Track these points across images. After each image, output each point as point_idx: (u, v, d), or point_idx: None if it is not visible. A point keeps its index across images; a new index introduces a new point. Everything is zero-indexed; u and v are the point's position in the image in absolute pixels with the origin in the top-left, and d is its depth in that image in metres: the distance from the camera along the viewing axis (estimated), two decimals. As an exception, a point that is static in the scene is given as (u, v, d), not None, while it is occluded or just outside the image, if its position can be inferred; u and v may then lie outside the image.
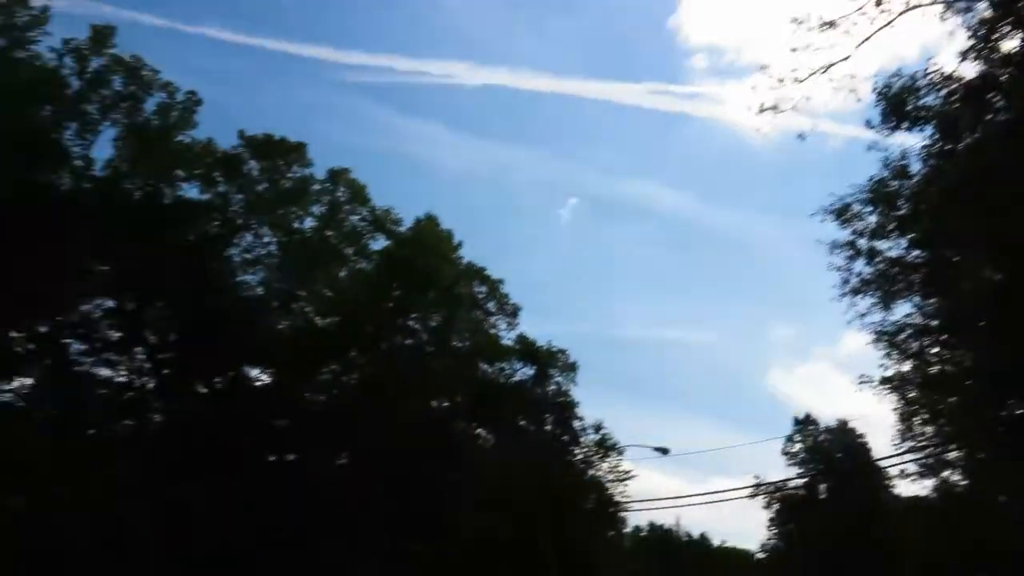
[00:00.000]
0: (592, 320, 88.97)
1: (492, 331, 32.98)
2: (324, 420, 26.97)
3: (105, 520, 19.11)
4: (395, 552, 24.07)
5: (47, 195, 24.66)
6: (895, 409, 24.79)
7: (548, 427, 34.09)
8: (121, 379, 25.24)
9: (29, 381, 23.57)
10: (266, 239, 28.99)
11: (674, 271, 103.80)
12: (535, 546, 28.26)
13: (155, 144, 26.97)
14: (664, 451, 34.30)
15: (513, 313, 33.16)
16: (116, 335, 25.34)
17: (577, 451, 34.72)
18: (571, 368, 34.62)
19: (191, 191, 27.84)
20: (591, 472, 34.96)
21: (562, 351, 34.92)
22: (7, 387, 23.29)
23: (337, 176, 30.39)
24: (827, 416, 46.79)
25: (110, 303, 25.61)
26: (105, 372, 25.33)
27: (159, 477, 20.84)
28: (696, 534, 52.98)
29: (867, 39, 18.22)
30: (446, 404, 31.14)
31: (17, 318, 23.83)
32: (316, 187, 29.92)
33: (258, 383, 27.57)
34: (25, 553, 18.42)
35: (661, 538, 49.69)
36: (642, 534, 50.09)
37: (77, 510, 19.36)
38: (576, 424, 34.60)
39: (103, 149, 26.62)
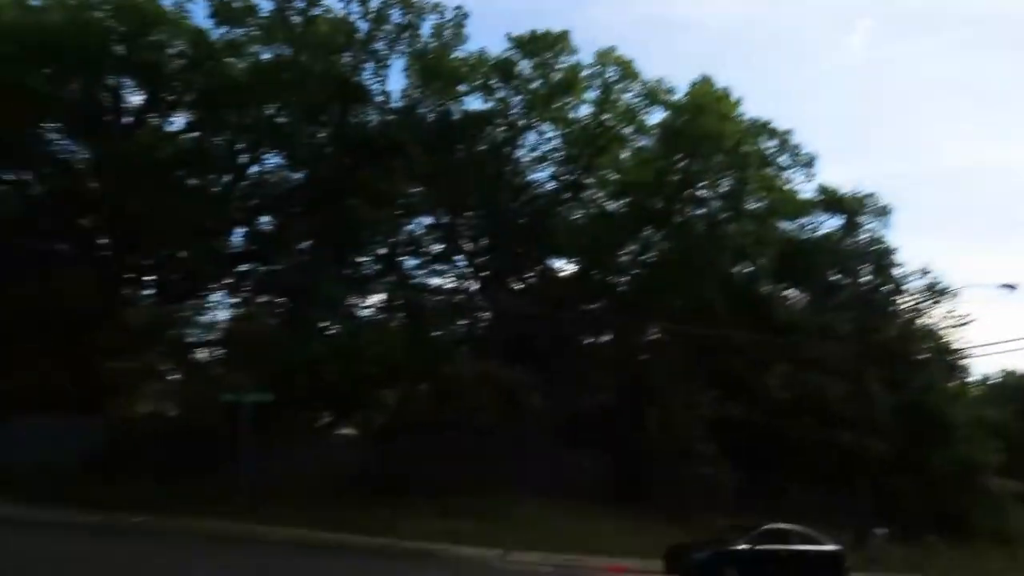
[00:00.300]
0: (905, 155, 78.96)
1: (788, 186, 31.27)
2: (630, 299, 28.22)
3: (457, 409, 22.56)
4: (714, 417, 24.98)
5: (361, 134, 28.12)
6: None
7: (865, 278, 32.02)
8: (450, 285, 29.00)
9: (381, 296, 28.05)
10: (548, 134, 30.15)
11: (1004, 82, 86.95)
12: (863, 402, 27.37)
13: (436, 66, 29.04)
14: (1011, 287, 30.57)
15: (809, 163, 30.97)
16: (439, 247, 28.84)
17: (901, 300, 32.30)
18: (884, 212, 31.81)
19: (474, 103, 29.81)
20: (921, 320, 32.43)
21: (870, 195, 32.15)
22: (366, 304, 28.01)
23: (604, 57, 30.11)
24: None
25: (429, 220, 29.03)
26: (436, 281, 29.29)
27: (494, 367, 23.73)
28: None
29: None
30: (749, 268, 30.61)
31: (362, 245, 28.14)
32: (585, 73, 30.05)
33: (563, 273, 29.57)
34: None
35: (1017, 384, 44.59)
36: (993, 382, 45.32)
37: (436, 402, 23.08)
38: (897, 272, 32.05)
39: (395, 81, 29.41)
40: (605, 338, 29.07)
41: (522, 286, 28.71)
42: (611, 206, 30.65)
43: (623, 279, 30.13)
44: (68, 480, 20.86)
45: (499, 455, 23.40)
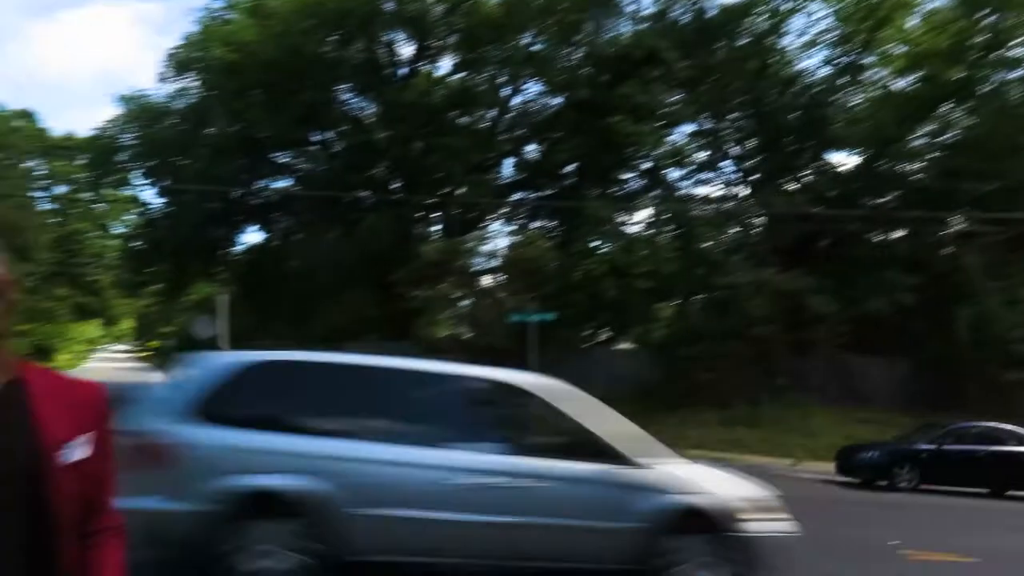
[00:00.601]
0: None
1: None
2: (926, 188, 25.17)
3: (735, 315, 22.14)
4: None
5: (616, 48, 27.75)
6: None
7: None
8: (718, 193, 28.04)
9: (649, 211, 27.99)
10: (817, 15, 27.37)
11: None
12: None
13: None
14: None
15: None
16: (704, 155, 27.90)
17: None
18: None
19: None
20: None
21: None
22: (635, 220, 28.17)
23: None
24: None
25: (692, 127, 28.11)
26: (704, 190, 28.50)
27: (771, 274, 22.77)
28: None
29: None
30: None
31: (626, 161, 28.17)
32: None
33: (843, 167, 27.10)
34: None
35: None
36: None
37: (713, 312, 22.86)
38: None
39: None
40: (898, 234, 26.31)
41: (797, 186, 26.82)
42: (898, 84, 27.26)
43: (917, 166, 26.86)
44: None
45: (781, 363, 22.68)
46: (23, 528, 1.50)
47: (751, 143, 27.45)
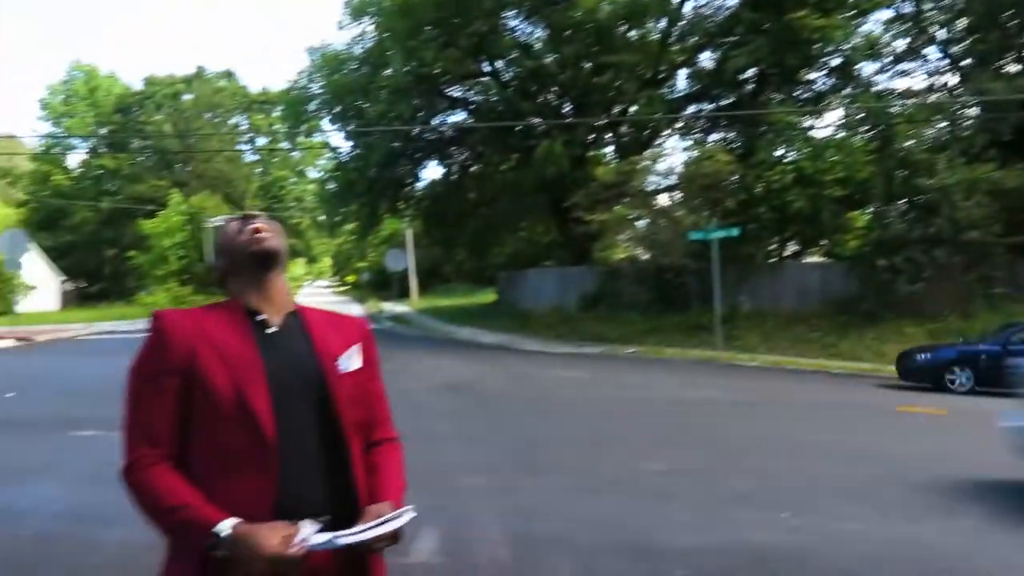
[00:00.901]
0: None
1: None
2: None
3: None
4: None
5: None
6: None
7: None
8: (922, 85, 25.17)
9: (839, 112, 25.83)
10: None
11: None
12: None
13: None
14: None
15: None
16: (903, 43, 25.08)
17: None
18: None
19: None
20: None
21: None
22: (824, 123, 26.09)
23: None
24: None
25: (888, 13, 25.31)
26: (904, 83, 25.72)
27: (987, 170, 20.40)
28: None
29: None
30: None
31: (812, 59, 26.00)
32: None
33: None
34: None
35: None
36: None
37: (917, 218, 20.91)
38: None
39: None
40: None
41: (1019, 68, 23.50)
42: None
43: None
44: (571, 318, 24.60)
45: (999, 269, 20.48)
46: (319, 428, 1.82)
47: (960, 23, 24.27)
